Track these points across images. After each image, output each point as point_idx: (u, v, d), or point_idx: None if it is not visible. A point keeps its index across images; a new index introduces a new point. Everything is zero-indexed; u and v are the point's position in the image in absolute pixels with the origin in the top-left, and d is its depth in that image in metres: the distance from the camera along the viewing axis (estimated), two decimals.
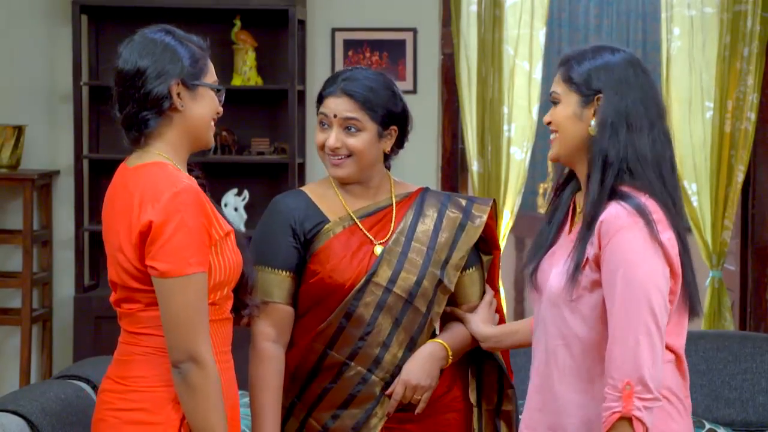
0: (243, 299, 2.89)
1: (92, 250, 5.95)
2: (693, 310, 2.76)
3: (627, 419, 2.58)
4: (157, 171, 2.74)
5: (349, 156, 3.07)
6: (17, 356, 5.92)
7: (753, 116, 5.67)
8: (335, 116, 3.07)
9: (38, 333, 6.02)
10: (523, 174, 5.79)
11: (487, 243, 3.21)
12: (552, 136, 2.81)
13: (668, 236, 2.66)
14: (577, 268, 2.69)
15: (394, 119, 3.13)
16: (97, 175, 5.95)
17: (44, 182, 5.95)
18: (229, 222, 2.87)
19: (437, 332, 3.20)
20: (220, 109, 2.86)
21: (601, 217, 2.67)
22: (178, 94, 2.77)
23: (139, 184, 2.73)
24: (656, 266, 2.63)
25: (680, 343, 2.74)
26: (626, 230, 2.63)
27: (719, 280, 5.72)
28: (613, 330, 2.62)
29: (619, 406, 2.57)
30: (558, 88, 2.79)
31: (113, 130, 6.00)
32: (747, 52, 5.65)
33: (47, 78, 5.98)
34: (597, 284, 2.69)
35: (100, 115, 5.95)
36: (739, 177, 5.68)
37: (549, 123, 2.81)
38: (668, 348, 2.70)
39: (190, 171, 2.89)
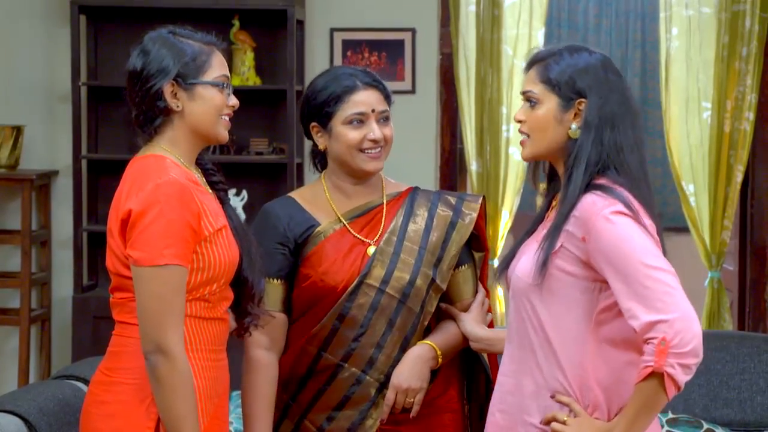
0: (246, 308, 2.90)
1: (91, 251, 5.94)
2: None
3: (659, 375, 2.54)
4: (151, 163, 2.77)
5: (382, 148, 3.09)
6: (16, 356, 5.92)
7: (752, 116, 5.67)
8: (373, 110, 3.07)
9: (37, 333, 6.02)
10: (522, 174, 5.79)
11: (479, 240, 3.21)
12: (522, 137, 2.81)
13: (648, 223, 2.67)
14: (547, 255, 2.69)
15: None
16: (95, 175, 5.95)
17: (43, 182, 5.95)
18: (234, 220, 2.89)
19: (431, 329, 3.21)
20: (234, 102, 2.86)
21: (577, 211, 2.67)
22: (175, 95, 2.79)
23: (131, 174, 2.78)
24: (646, 238, 2.62)
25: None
26: (605, 213, 2.63)
27: (718, 280, 5.72)
28: (634, 296, 2.58)
29: (651, 361, 2.54)
30: (534, 88, 2.77)
31: (112, 130, 6.08)
32: (746, 52, 5.65)
33: (46, 78, 5.98)
34: (567, 274, 2.69)
35: (99, 115, 5.96)
36: (738, 177, 5.67)
37: (521, 122, 2.80)
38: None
39: (209, 171, 2.92)
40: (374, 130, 3.07)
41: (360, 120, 3.07)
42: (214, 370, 2.81)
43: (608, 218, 2.63)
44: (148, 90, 2.78)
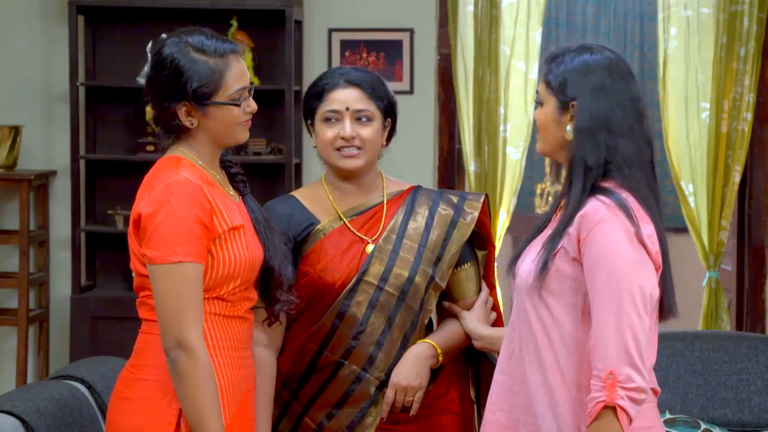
0: (275, 295, 2.92)
1: (89, 251, 5.94)
2: (669, 310, 2.77)
3: (612, 409, 2.58)
4: (165, 164, 2.82)
5: (360, 148, 3.08)
6: (14, 357, 5.91)
7: (749, 116, 5.66)
8: (347, 108, 3.08)
9: (35, 333, 6.02)
10: (519, 174, 5.79)
11: (481, 238, 3.21)
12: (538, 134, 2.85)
13: (648, 232, 2.67)
14: (548, 257, 2.70)
15: (391, 111, 3.16)
16: (93, 175, 5.95)
17: (41, 182, 5.95)
18: (255, 211, 2.92)
19: (434, 328, 3.21)
20: (252, 108, 2.87)
21: (581, 212, 2.69)
22: (189, 113, 2.82)
23: (147, 176, 2.83)
24: (636, 258, 2.64)
25: (652, 344, 2.74)
26: (605, 223, 2.65)
27: (716, 280, 5.72)
28: (597, 321, 2.63)
29: (602, 396, 2.58)
30: (540, 89, 2.82)
31: (110, 130, 6.08)
32: (743, 53, 5.64)
33: (44, 78, 5.98)
34: (566, 275, 2.70)
35: (97, 115, 5.96)
36: (736, 177, 5.67)
37: (535, 120, 2.85)
38: None
39: (227, 163, 2.94)
40: (345, 128, 3.07)
41: (336, 118, 3.07)
42: (238, 369, 2.84)
43: (606, 231, 2.64)
44: (164, 108, 2.81)
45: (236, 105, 2.83)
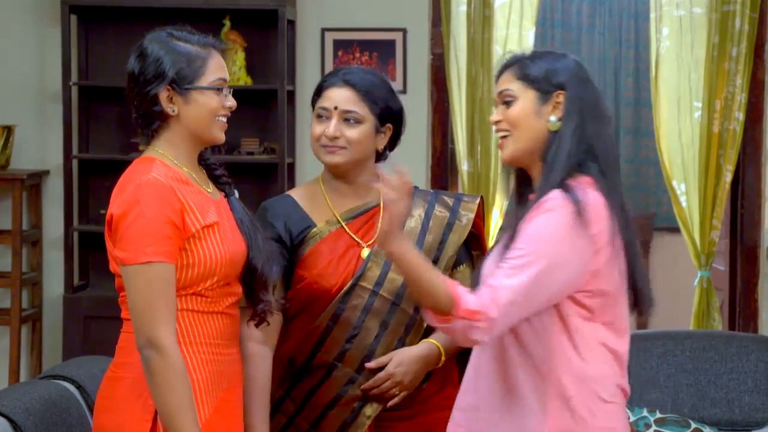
0: (258, 295, 2.93)
1: (82, 250, 5.94)
2: (644, 300, 2.75)
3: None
4: (138, 165, 2.83)
5: (343, 147, 3.09)
6: (6, 356, 5.92)
7: (741, 116, 5.67)
8: (336, 108, 3.09)
9: (27, 333, 6.02)
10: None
11: (477, 239, 3.22)
12: (501, 135, 2.80)
13: (596, 231, 2.65)
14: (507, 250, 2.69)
15: (390, 116, 3.16)
16: (86, 175, 5.95)
17: (34, 182, 5.95)
18: (238, 212, 2.92)
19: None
20: (231, 104, 2.89)
21: (539, 201, 2.68)
22: (171, 99, 2.82)
23: (121, 178, 2.84)
24: (570, 239, 2.62)
25: (620, 342, 2.74)
26: (553, 212, 2.64)
27: (707, 279, 5.72)
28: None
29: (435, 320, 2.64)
30: (511, 86, 2.79)
31: (103, 130, 6.07)
32: (735, 53, 5.65)
33: (37, 78, 5.98)
34: None
35: (90, 115, 5.96)
36: (727, 177, 5.67)
37: (498, 122, 2.80)
38: (605, 346, 2.70)
39: (212, 166, 2.95)
40: (330, 127, 3.08)
41: (326, 116, 3.10)
42: (217, 365, 2.84)
43: (550, 215, 2.63)
44: (145, 94, 2.82)
45: (217, 91, 2.84)
